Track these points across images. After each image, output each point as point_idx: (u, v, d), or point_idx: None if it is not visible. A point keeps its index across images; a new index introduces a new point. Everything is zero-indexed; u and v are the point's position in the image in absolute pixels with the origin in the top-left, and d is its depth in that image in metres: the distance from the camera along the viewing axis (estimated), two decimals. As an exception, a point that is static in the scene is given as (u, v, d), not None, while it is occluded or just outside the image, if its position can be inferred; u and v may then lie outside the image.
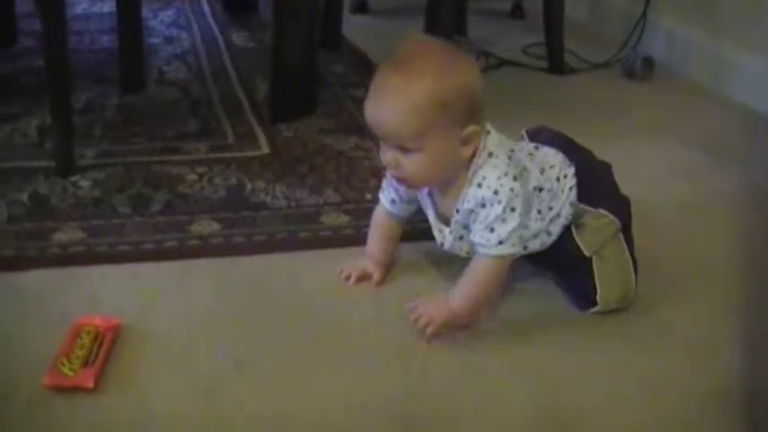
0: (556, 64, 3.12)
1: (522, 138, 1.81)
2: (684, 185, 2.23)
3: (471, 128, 1.48)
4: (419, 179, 1.57)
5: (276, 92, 2.53)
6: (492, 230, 1.51)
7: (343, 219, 1.96)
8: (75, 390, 1.37)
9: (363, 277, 1.71)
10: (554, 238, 1.64)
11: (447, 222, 1.61)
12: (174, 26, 3.47)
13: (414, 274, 1.76)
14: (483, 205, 1.51)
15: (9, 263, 1.73)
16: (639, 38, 3.20)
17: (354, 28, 3.37)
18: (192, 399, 1.38)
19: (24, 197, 1.99)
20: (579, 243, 1.64)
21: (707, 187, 2.23)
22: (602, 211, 1.65)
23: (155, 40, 3.23)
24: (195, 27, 3.47)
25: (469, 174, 1.52)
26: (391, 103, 1.46)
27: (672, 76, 3.08)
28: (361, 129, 2.44)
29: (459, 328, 1.56)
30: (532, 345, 1.56)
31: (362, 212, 1.93)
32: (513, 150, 1.58)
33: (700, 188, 2.22)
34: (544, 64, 3.14)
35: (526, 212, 1.53)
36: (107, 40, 3.16)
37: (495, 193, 1.49)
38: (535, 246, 1.64)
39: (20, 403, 1.35)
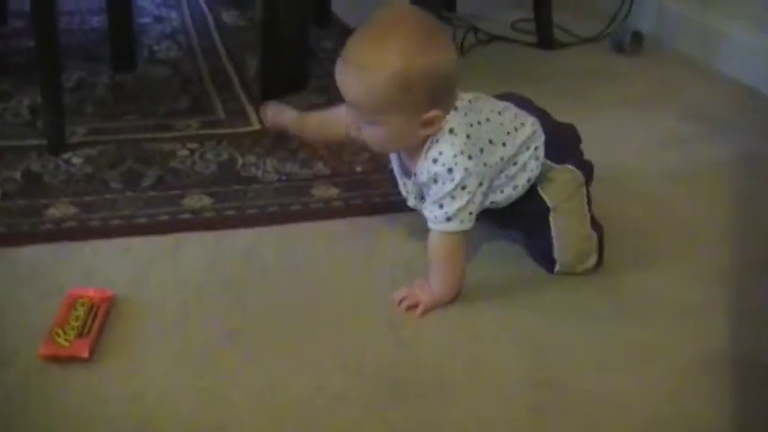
0: (545, 39, 3.10)
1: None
2: (673, 155, 2.24)
3: (434, 112, 1.48)
4: (375, 147, 1.61)
5: (267, 68, 2.53)
6: (441, 206, 1.51)
7: (334, 191, 1.97)
8: (70, 360, 1.39)
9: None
10: (520, 191, 1.64)
11: (409, 175, 1.62)
12: (164, 5, 3.46)
13: (404, 245, 1.77)
14: (435, 180, 1.51)
15: (3, 238, 1.74)
16: (629, 12, 3.19)
17: (343, 3, 3.37)
18: (185, 369, 1.40)
19: (17, 174, 2.00)
20: (543, 196, 1.66)
21: (695, 157, 2.24)
22: (568, 166, 1.67)
23: (145, 20, 3.22)
24: (185, 6, 3.45)
25: (425, 147, 1.52)
26: (355, 77, 1.46)
27: (661, 50, 3.08)
28: None
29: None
30: (522, 310, 1.58)
31: (353, 185, 1.97)
32: (479, 123, 1.56)
33: (688, 158, 2.23)
34: (533, 39, 3.13)
35: (480, 191, 1.53)
36: (97, 21, 3.15)
37: (450, 171, 1.49)
38: (501, 198, 1.64)
39: (17, 373, 1.37)
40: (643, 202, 1.97)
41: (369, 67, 1.44)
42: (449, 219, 1.52)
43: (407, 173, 1.61)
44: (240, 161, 2.09)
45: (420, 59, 1.43)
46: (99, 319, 1.47)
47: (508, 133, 1.61)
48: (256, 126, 2.31)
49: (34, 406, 1.31)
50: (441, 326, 1.53)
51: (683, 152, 2.26)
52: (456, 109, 1.53)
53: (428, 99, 1.46)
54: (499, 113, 1.62)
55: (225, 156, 2.13)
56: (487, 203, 1.60)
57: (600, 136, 2.25)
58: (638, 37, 3.05)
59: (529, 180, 1.64)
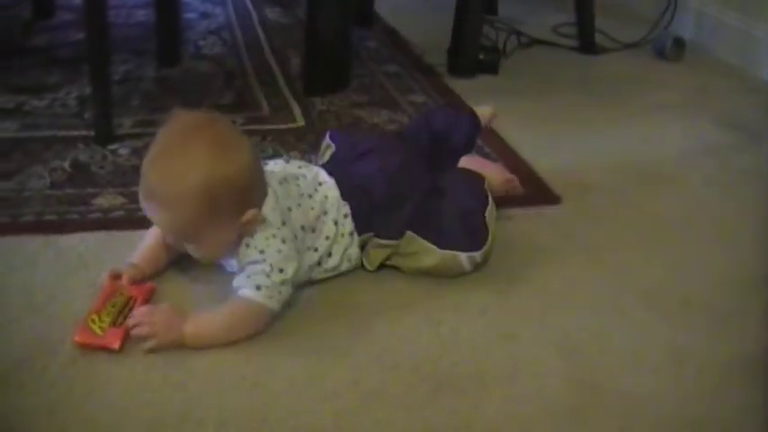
0: (586, 43, 3.13)
1: (329, 146, 1.83)
2: (710, 162, 2.25)
3: (250, 213, 1.45)
4: (203, 259, 1.56)
5: (310, 65, 2.57)
6: (249, 277, 1.47)
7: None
8: (101, 349, 1.41)
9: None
10: (355, 263, 1.66)
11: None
12: (210, 2, 3.50)
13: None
14: (252, 263, 1.48)
15: (52, 226, 1.77)
16: (671, 18, 3.20)
17: (386, 4, 3.39)
18: (227, 362, 1.41)
19: (65, 164, 2.03)
20: (365, 263, 1.67)
21: (733, 164, 2.25)
22: (375, 239, 1.65)
23: (190, 15, 3.27)
24: (229, 2, 3.50)
25: (244, 239, 1.49)
26: (160, 211, 1.44)
27: (702, 57, 3.09)
28: (393, 103, 2.50)
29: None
30: (559, 310, 1.59)
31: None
32: (289, 209, 1.55)
33: (725, 165, 2.24)
34: (575, 43, 3.15)
35: (291, 276, 1.49)
36: (143, 15, 3.21)
37: (261, 252, 1.47)
38: (345, 268, 1.65)
39: (61, 360, 1.39)
40: (679, 207, 1.98)
41: (167, 196, 1.40)
42: (258, 287, 1.46)
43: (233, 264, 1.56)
44: (285, 157, 2.06)
45: (219, 170, 1.40)
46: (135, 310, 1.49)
47: (318, 217, 1.60)
48: (300, 122, 2.34)
49: (78, 393, 1.32)
50: (479, 324, 1.54)
51: (721, 159, 2.27)
52: (266, 196, 1.51)
53: (240, 203, 1.44)
54: (309, 197, 1.61)
55: (269, 151, 2.14)
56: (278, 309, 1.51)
57: (639, 141, 2.31)
58: (679, 43, 3.06)
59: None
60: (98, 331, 1.42)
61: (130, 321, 1.43)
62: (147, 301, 1.53)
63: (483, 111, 2.01)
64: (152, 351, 1.41)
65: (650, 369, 1.46)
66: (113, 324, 1.44)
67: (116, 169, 2.02)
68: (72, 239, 1.72)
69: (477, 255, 1.65)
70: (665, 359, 1.48)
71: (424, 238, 1.63)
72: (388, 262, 1.66)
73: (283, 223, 1.51)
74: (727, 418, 1.37)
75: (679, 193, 2.07)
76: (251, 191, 1.46)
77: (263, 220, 1.48)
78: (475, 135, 1.95)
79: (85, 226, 1.77)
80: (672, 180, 2.11)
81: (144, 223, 1.55)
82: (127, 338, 1.43)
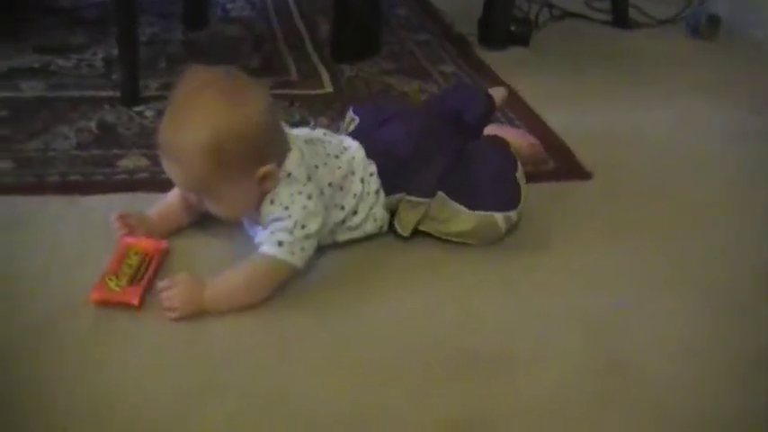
0: (620, 17, 3.07)
1: (353, 120, 1.80)
2: (743, 145, 2.20)
3: (265, 168, 1.43)
4: (225, 218, 1.54)
5: (339, 31, 2.54)
6: (272, 233, 1.46)
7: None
8: (120, 305, 1.40)
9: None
10: (380, 223, 1.65)
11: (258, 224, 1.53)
12: (238, -35, 3.47)
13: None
14: (275, 221, 1.46)
15: (77, 186, 1.75)
16: (706, -6, 3.15)
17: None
18: (251, 330, 1.40)
19: (92, 125, 2.02)
20: (398, 227, 1.65)
21: (766, 148, 2.20)
22: (406, 198, 1.63)
23: (218, -22, 3.24)
24: (258, -34, 3.47)
25: (268, 195, 1.47)
26: (172, 166, 1.43)
27: (737, 35, 3.02)
28: (424, 71, 2.47)
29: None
30: (589, 290, 1.56)
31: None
32: (316, 167, 1.53)
33: (758, 149, 2.19)
34: (608, 17, 3.10)
35: (315, 232, 1.48)
36: (171, -24, 3.18)
37: (286, 208, 1.45)
38: (371, 228, 1.64)
39: (85, 323, 1.38)
40: (709, 190, 1.95)
41: (178, 151, 1.40)
42: (279, 243, 1.45)
43: (258, 223, 1.52)
44: (312, 123, 2.08)
45: (226, 124, 1.38)
46: (152, 269, 1.48)
47: (345, 176, 1.59)
48: (329, 89, 2.32)
49: (100, 358, 1.32)
50: (508, 301, 1.52)
51: (753, 143, 2.22)
52: (291, 151, 1.49)
53: (253, 158, 1.42)
54: (336, 157, 1.60)
55: (297, 117, 2.12)
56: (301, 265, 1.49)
57: (670, 121, 2.27)
58: (714, 21, 3.00)
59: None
60: (116, 288, 1.42)
61: (161, 289, 1.42)
62: (162, 259, 1.52)
63: (497, 92, 1.99)
64: (174, 320, 1.40)
65: (673, 353, 1.43)
66: (131, 282, 1.44)
67: (141, 131, 2.00)
68: (97, 200, 1.71)
69: (513, 214, 1.64)
70: (688, 344, 1.45)
71: (457, 201, 1.62)
72: (420, 227, 1.64)
73: (309, 179, 1.49)
74: (754, 405, 1.34)
75: (709, 175, 2.03)
76: (264, 145, 1.43)
77: (288, 176, 1.47)
78: (488, 115, 1.92)
79: (110, 187, 1.76)
80: (703, 162, 2.07)
81: (168, 185, 1.54)
82: (146, 295, 1.42)
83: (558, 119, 2.22)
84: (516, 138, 1.87)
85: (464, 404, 1.29)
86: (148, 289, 1.44)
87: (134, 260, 1.48)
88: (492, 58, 2.66)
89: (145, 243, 1.53)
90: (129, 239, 1.53)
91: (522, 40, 2.80)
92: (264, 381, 1.30)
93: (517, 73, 2.48)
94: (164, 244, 1.55)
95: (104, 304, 1.40)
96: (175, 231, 1.61)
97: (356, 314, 1.46)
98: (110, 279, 1.43)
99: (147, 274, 1.47)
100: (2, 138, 1.94)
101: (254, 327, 1.40)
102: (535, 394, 1.32)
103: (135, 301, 1.40)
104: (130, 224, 1.56)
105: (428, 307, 1.49)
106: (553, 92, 2.41)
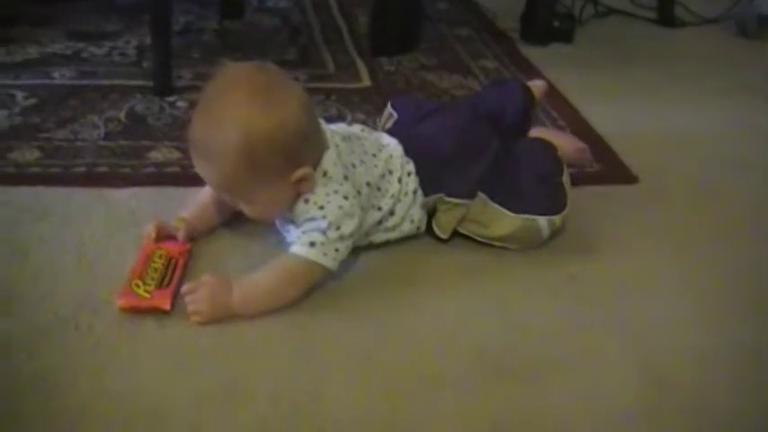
0: (665, 15, 3.01)
1: (391, 115, 1.75)
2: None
3: (301, 171, 1.37)
4: (261, 219, 1.49)
5: (378, 24, 2.49)
6: (305, 233, 1.40)
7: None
8: (151, 311, 1.34)
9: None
10: (417, 224, 1.58)
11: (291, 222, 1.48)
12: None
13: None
14: (309, 220, 1.41)
15: (105, 179, 1.71)
16: (756, -7, 3.06)
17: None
18: (280, 332, 1.34)
19: (121, 114, 1.98)
20: (436, 229, 1.58)
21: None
22: (445, 199, 1.56)
23: (255, -33, 3.19)
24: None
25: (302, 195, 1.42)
26: (203, 165, 1.38)
27: (787, 36, 2.94)
28: (464, 67, 2.42)
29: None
30: (632, 300, 1.50)
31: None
32: (353, 165, 1.47)
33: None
34: (653, 15, 3.03)
35: (350, 233, 1.41)
36: (208, -36, 3.13)
37: (321, 208, 1.40)
38: (408, 229, 1.57)
39: (108, 321, 1.32)
40: (761, 196, 1.88)
41: (211, 151, 1.34)
42: (312, 244, 1.39)
43: (290, 221, 1.47)
44: (349, 117, 2.03)
45: (259, 124, 1.32)
46: (178, 272, 1.42)
47: (383, 176, 1.53)
48: (366, 83, 2.27)
49: (122, 357, 1.26)
50: (549, 309, 1.45)
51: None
52: (328, 150, 1.43)
53: (287, 160, 1.36)
54: (374, 155, 1.54)
55: (333, 111, 2.07)
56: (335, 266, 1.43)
57: (718, 123, 2.22)
58: (763, 21, 2.92)
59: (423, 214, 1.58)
60: (144, 294, 1.35)
61: (185, 291, 1.36)
62: (187, 259, 1.47)
63: (535, 84, 1.92)
64: (200, 325, 1.34)
65: (722, 368, 1.36)
66: (159, 285, 1.38)
67: (173, 122, 1.96)
68: (124, 194, 1.66)
69: (557, 219, 1.58)
70: (738, 359, 1.38)
71: (499, 203, 1.56)
72: (460, 229, 1.58)
73: (346, 178, 1.43)
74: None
75: (759, 180, 1.95)
76: (299, 148, 1.37)
77: (324, 174, 1.41)
78: (529, 110, 1.84)
79: (138, 180, 1.72)
80: (754, 168, 1.99)
81: (199, 180, 1.47)
82: (175, 299, 1.36)
83: (601, 118, 2.16)
84: (564, 142, 1.80)
85: (503, 413, 1.23)
86: (176, 292, 1.38)
87: (159, 263, 1.42)
88: (534, 54, 2.61)
89: (168, 246, 1.47)
90: (152, 245, 1.47)
91: (566, 36, 2.74)
92: (295, 386, 1.24)
93: (560, 70, 2.42)
94: (187, 245, 1.49)
95: (134, 311, 1.34)
96: (208, 232, 1.55)
97: (391, 319, 1.39)
98: (136, 284, 1.37)
99: (175, 276, 1.41)
100: (30, 126, 1.90)
101: (284, 330, 1.34)
102: (576, 404, 1.26)
103: (166, 306, 1.34)
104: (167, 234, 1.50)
105: (467, 314, 1.43)
106: (596, 90, 2.36)
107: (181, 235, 1.48)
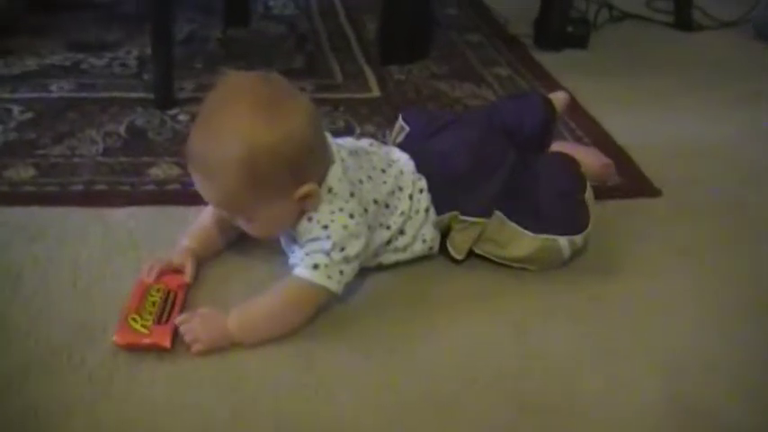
0: (682, 19, 2.94)
1: (402, 128, 1.67)
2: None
3: (305, 188, 1.30)
4: (264, 237, 1.42)
5: (387, 32, 2.44)
6: (308, 255, 1.33)
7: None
8: (150, 349, 1.26)
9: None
10: (430, 244, 1.50)
11: (296, 242, 1.40)
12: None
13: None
14: (313, 240, 1.33)
15: (102, 198, 1.65)
16: (776, -5, 2.98)
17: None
18: (286, 362, 1.27)
19: (121, 129, 1.92)
20: (451, 250, 1.51)
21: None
22: (460, 218, 1.49)
23: (261, -26, 3.14)
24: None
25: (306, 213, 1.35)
26: (203, 181, 1.31)
27: (808, 39, 2.87)
28: (477, 75, 2.36)
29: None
30: (659, 325, 1.42)
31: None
32: (360, 182, 1.40)
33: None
34: (670, 19, 2.96)
35: (355, 255, 1.34)
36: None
37: (325, 227, 1.32)
38: (420, 249, 1.50)
39: (102, 351, 1.25)
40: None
41: (210, 165, 1.27)
42: (315, 267, 1.31)
43: (294, 240, 1.40)
44: (358, 130, 1.97)
45: (262, 138, 1.24)
46: (177, 306, 1.34)
47: (392, 192, 1.45)
48: (376, 93, 2.22)
49: (118, 390, 1.20)
50: (571, 333, 1.38)
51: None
52: (333, 164, 1.36)
53: (291, 176, 1.29)
54: (383, 171, 1.47)
55: (341, 123, 2.02)
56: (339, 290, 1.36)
57: (740, 131, 2.16)
58: (783, 24, 2.84)
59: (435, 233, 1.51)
60: (143, 330, 1.28)
61: (179, 321, 1.29)
62: (185, 295, 1.38)
63: (557, 96, 1.83)
64: (199, 354, 1.26)
65: (758, 398, 1.28)
66: (158, 321, 1.30)
67: (174, 136, 1.90)
68: (122, 213, 1.60)
69: (578, 238, 1.50)
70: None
71: (517, 222, 1.48)
72: (476, 250, 1.51)
73: (352, 195, 1.36)
74: None
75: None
76: (305, 163, 1.30)
77: (329, 191, 1.34)
78: (549, 122, 1.75)
79: (137, 199, 1.65)
80: (760, 172, 1.91)
81: (201, 198, 1.39)
82: (176, 335, 1.29)
83: (618, 127, 2.09)
84: (587, 156, 1.72)
85: None
86: (176, 328, 1.30)
87: (156, 297, 1.35)
88: (548, 60, 2.55)
89: (166, 279, 1.39)
90: (147, 280, 1.39)
91: (580, 41, 2.68)
92: (301, 423, 1.17)
93: (574, 77, 2.36)
94: (185, 279, 1.41)
95: (132, 348, 1.27)
96: (213, 257, 1.48)
97: (403, 348, 1.32)
98: (133, 319, 1.29)
99: (174, 311, 1.33)
100: (26, 142, 1.85)
101: (289, 360, 1.27)
102: None
103: (166, 343, 1.27)
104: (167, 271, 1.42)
105: (484, 341, 1.35)
106: (612, 97, 2.29)
107: (188, 273, 1.41)
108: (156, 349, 1.26)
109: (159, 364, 1.24)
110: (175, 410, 1.17)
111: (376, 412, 1.19)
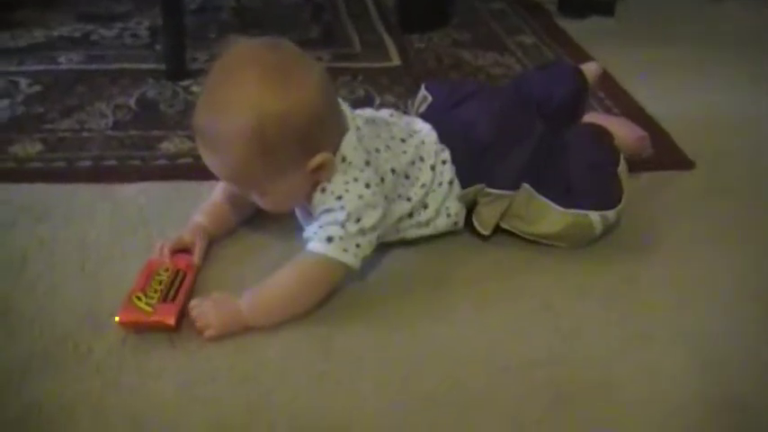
0: (712, -16, 2.86)
1: (425, 98, 1.60)
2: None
3: (318, 158, 1.24)
4: (278, 211, 1.37)
5: (407, -1, 2.40)
6: (321, 227, 1.27)
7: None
8: (154, 328, 1.20)
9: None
10: (454, 218, 1.44)
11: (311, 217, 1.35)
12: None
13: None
14: (327, 211, 1.27)
15: (111, 174, 1.60)
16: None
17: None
18: (305, 351, 1.20)
19: (131, 101, 1.88)
20: (477, 225, 1.44)
21: None
22: (486, 190, 1.42)
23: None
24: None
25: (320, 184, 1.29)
26: (210, 154, 1.25)
27: None
28: (500, 44, 2.32)
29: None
30: (700, 313, 1.34)
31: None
32: (377, 150, 1.34)
33: None
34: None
35: (372, 226, 1.27)
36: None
37: (339, 197, 1.26)
38: (444, 224, 1.44)
39: (112, 340, 1.19)
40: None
41: (218, 138, 1.21)
42: (329, 240, 1.25)
43: (311, 215, 1.34)
44: (378, 100, 1.92)
45: (271, 107, 1.18)
46: (186, 286, 1.28)
47: (413, 163, 1.39)
48: (396, 61, 2.18)
49: (127, 382, 1.13)
50: (605, 318, 1.31)
51: None
52: (347, 133, 1.30)
53: (303, 146, 1.23)
54: (402, 141, 1.41)
55: (360, 92, 1.97)
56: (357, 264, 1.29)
57: (759, 111, 2.06)
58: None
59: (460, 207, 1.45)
60: (147, 308, 1.21)
61: (191, 307, 1.23)
62: (195, 277, 1.32)
63: (588, 67, 1.75)
64: (212, 339, 1.20)
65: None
66: (164, 299, 1.24)
67: (187, 108, 1.84)
68: (132, 190, 1.55)
69: (611, 214, 1.43)
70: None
71: (546, 196, 1.42)
72: (503, 225, 1.44)
73: (367, 164, 1.30)
74: None
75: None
76: (317, 132, 1.24)
77: (343, 160, 1.28)
78: (580, 94, 1.68)
79: (148, 174, 1.60)
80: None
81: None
82: (183, 316, 1.22)
83: (648, 97, 2.03)
84: (621, 129, 1.65)
85: None
86: (184, 309, 1.24)
87: (164, 276, 1.28)
88: (573, 28, 2.50)
89: (175, 259, 1.33)
90: (157, 259, 1.33)
91: (606, 8, 2.63)
92: (321, 414, 1.11)
93: (601, 45, 2.30)
94: (195, 260, 1.34)
95: (134, 327, 1.21)
96: (226, 235, 1.42)
97: (427, 331, 1.25)
98: (137, 298, 1.23)
99: (182, 290, 1.26)
100: (33, 116, 1.80)
101: (307, 347, 1.21)
102: (643, 428, 1.12)
103: (171, 321, 1.20)
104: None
105: (513, 325, 1.28)
106: (641, 66, 2.23)
107: (196, 255, 1.35)
108: (160, 328, 1.20)
109: (170, 352, 1.18)
110: (188, 405, 1.11)
111: (400, 405, 1.13)
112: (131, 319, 1.20)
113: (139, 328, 1.20)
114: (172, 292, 1.25)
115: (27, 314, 1.23)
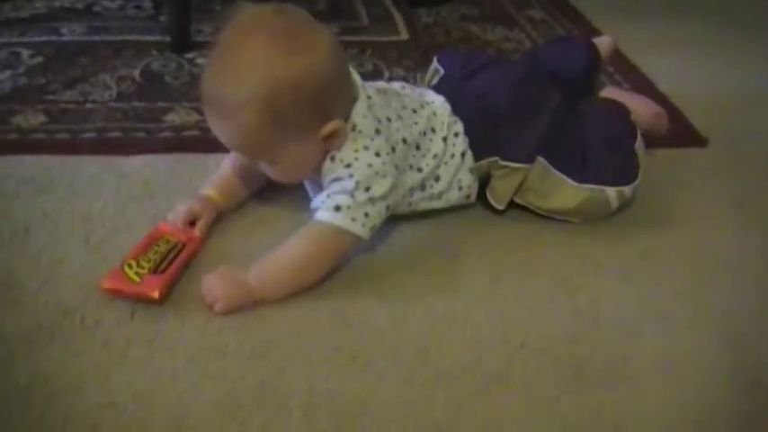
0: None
1: (437, 71, 1.56)
2: None
3: (331, 125, 1.21)
4: (288, 181, 1.34)
5: (416, -30, 2.37)
6: (329, 197, 1.24)
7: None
8: (136, 298, 1.18)
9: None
10: (467, 191, 1.42)
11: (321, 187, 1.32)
12: None
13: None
14: (336, 180, 1.25)
15: (116, 145, 1.57)
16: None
17: None
18: (318, 327, 1.18)
19: (135, 73, 1.85)
20: (491, 199, 1.42)
21: None
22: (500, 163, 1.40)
23: None
24: None
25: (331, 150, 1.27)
26: (219, 123, 1.22)
27: None
28: (509, 18, 2.29)
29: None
30: (719, 290, 1.32)
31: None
32: (388, 119, 1.31)
33: None
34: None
35: (381, 195, 1.25)
36: None
37: (348, 166, 1.24)
38: (456, 197, 1.41)
39: (119, 314, 1.17)
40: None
41: (226, 105, 1.18)
42: (337, 209, 1.23)
43: (320, 186, 1.31)
44: (386, 74, 1.89)
45: (280, 73, 1.16)
46: (182, 258, 1.25)
47: (424, 133, 1.36)
48: (404, 35, 2.14)
49: (134, 357, 1.11)
50: (622, 293, 1.29)
51: None
52: (357, 101, 1.27)
53: (314, 113, 1.20)
54: (414, 111, 1.38)
55: (369, 66, 1.95)
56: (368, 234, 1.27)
57: None
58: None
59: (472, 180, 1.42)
60: (134, 277, 1.19)
61: (204, 282, 1.20)
62: (194, 251, 1.29)
63: (602, 41, 1.72)
64: (221, 313, 1.17)
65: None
66: (154, 270, 1.20)
67: (192, 81, 1.81)
68: (137, 162, 1.52)
69: (627, 189, 1.41)
70: None
71: (561, 170, 1.39)
72: (518, 200, 1.42)
73: (377, 132, 1.27)
74: None
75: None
76: (327, 98, 1.22)
77: (353, 128, 1.26)
78: (594, 68, 1.66)
79: (153, 146, 1.57)
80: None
81: (221, 145, 1.29)
82: (170, 289, 1.20)
83: (660, 73, 2.00)
84: (638, 105, 1.62)
85: (576, 416, 1.08)
86: (174, 282, 1.21)
87: (162, 247, 1.26)
88: (582, 2, 2.46)
89: (179, 232, 1.30)
90: (165, 227, 1.31)
91: None
92: (336, 392, 1.08)
93: (612, 19, 2.27)
94: (199, 234, 1.31)
95: (117, 295, 1.18)
96: (237, 208, 1.39)
97: (443, 306, 1.23)
98: (128, 266, 1.20)
99: (175, 263, 1.23)
100: (36, 87, 1.76)
101: (320, 322, 1.19)
102: (656, 408, 1.11)
103: (154, 294, 1.17)
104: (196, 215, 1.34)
105: (529, 300, 1.26)
106: (653, 42, 2.21)
107: (198, 228, 1.32)
108: (144, 300, 1.17)
109: (181, 328, 1.15)
110: (197, 382, 1.08)
111: (417, 382, 1.11)
112: (115, 287, 1.18)
113: (122, 296, 1.17)
114: (164, 264, 1.22)
115: (31, 286, 1.21)
